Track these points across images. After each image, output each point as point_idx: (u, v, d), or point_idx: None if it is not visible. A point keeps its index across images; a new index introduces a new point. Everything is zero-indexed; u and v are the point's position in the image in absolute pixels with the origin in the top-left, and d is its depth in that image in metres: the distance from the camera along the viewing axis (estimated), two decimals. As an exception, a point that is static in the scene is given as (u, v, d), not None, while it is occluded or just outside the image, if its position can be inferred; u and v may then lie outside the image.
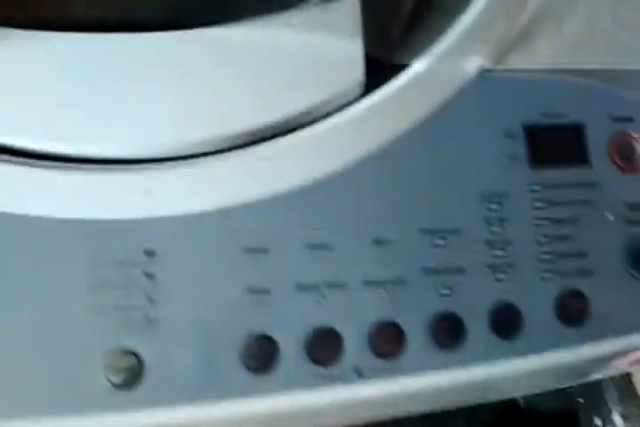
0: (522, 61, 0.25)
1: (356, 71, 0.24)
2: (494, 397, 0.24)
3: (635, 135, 0.26)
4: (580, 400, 0.39)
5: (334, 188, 0.23)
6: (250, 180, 0.23)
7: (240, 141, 0.23)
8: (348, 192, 0.23)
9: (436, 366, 0.22)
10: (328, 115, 0.23)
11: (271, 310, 0.22)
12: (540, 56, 0.26)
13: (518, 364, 0.23)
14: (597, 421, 0.38)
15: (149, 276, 0.21)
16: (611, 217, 0.25)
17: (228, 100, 0.23)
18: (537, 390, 0.26)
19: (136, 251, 0.21)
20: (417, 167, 0.23)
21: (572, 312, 0.24)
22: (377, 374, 0.22)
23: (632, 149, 0.26)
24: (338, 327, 0.22)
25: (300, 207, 0.22)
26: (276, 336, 0.21)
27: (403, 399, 0.22)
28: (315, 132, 0.23)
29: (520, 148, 0.24)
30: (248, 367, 0.21)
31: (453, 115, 0.24)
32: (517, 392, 0.30)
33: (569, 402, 0.39)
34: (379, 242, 0.23)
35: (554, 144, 0.25)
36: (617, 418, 0.38)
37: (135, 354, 0.20)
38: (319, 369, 0.21)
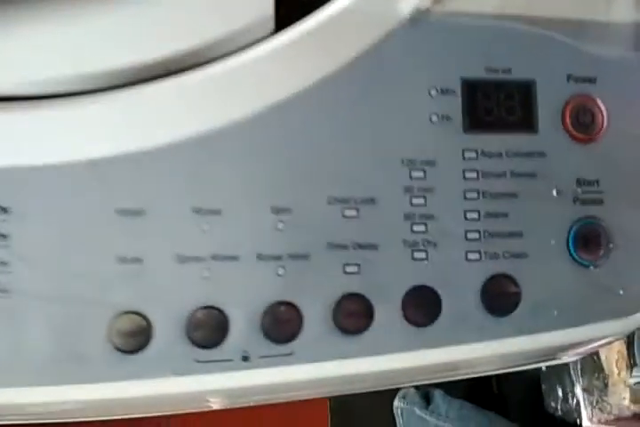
0: (466, 3, 0.31)
1: (264, 3, 0.29)
2: (402, 384, 0.30)
3: (595, 99, 0.32)
4: (543, 369, 0.47)
5: (229, 141, 0.28)
6: (129, 126, 0.28)
7: (123, 79, 0.28)
8: (245, 148, 0.28)
9: (335, 355, 0.28)
10: (230, 54, 0.29)
11: (145, 284, 0.27)
12: (490, -2, 0.31)
13: (430, 356, 0.29)
14: (559, 391, 0.46)
15: (2, 236, 0.26)
16: (555, 193, 0.31)
17: (110, 30, 0.27)
18: (455, 379, 0.32)
19: (-15, 206, 0.25)
20: (329, 123, 0.29)
21: (501, 300, 0.30)
22: (266, 360, 0.28)
23: (591, 115, 0.32)
24: (223, 306, 0.28)
25: (187, 163, 0.28)
26: (150, 314, 0.27)
27: (294, 387, 0.28)
28: (211, 73, 0.28)
29: (454, 107, 0.30)
30: (116, 347, 0.27)
31: (378, 62, 0.30)
32: (430, 381, 0.36)
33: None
34: (278, 210, 0.28)
35: (495, 104, 0.31)
36: (579, 391, 0.45)
37: None
38: (199, 352, 0.27)
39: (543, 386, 0.53)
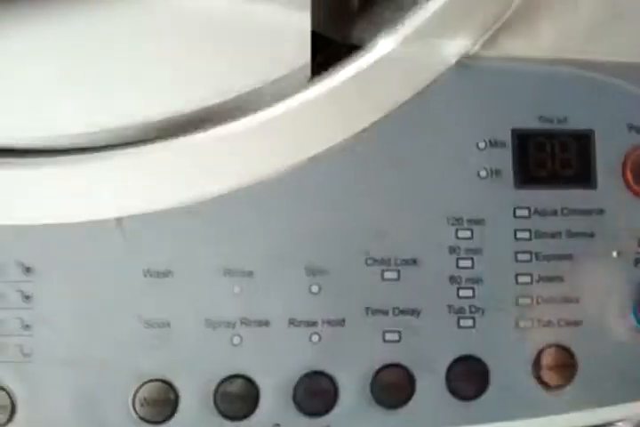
0: (518, 47, 0.34)
1: (302, 51, 0.32)
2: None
3: (659, 150, 0.35)
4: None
5: (262, 198, 0.31)
6: (158, 183, 0.31)
7: (154, 133, 0.31)
8: (279, 205, 0.31)
9: (373, 429, 0.31)
10: (265, 105, 0.32)
11: (172, 350, 0.30)
12: (543, 41, 0.34)
13: None
14: None
15: (25, 297, 0.29)
16: (615, 254, 0.33)
17: (141, 86, 0.31)
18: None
19: (11, 265, 0.29)
20: (369, 178, 0.32)
21: (555, 372, 0.32)
22: (298, 433, 0.30)
23: (655, 169, 0.35)
24: (254, 375, 0.30)
25: (218, 221, 0.31)
26: (176, 382, 0.30)
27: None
28: (246, 126, 0.32)
29: (505, 160, 0.33)
30: (140, 417, 0.29)
31: (422, 112, 0.33)
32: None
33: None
34: (313, 271, 0.31)
35: (550, 157, 0.33)
36: None
37: (6, 390, 0.28)
38: (227, 425, 0.30)
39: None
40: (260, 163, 0.31)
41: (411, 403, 0.31)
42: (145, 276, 0.30)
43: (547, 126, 0.34)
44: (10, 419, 0.29)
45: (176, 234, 0.30)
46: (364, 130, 0.32)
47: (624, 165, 0.34)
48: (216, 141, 0.31)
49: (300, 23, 0.32)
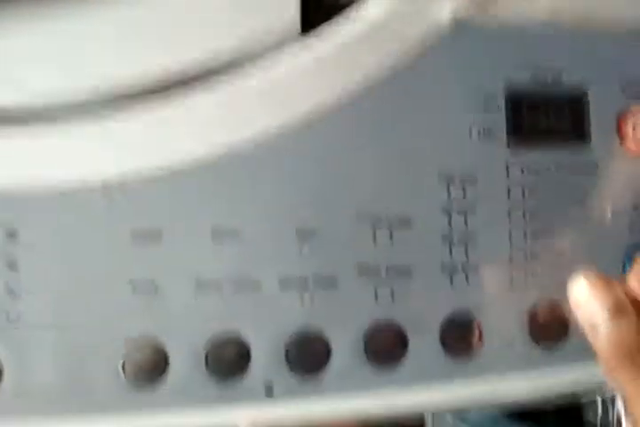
0: (512, 8, 0.33)
1: (289, 8, 0.31)
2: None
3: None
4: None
5: (253, 159, 0.30)
6: (145, 144, 0.30)
7: (138, 91, 0.30)
8: (269, 165, 0.30)
9: (367, 387, 0.30)
10: (255, 64, 0.31)
11: (161, 311, 0.29)
12: (538, 2, 0.33)
13: (472, 387, 0.31)
14: (599, 405, 0.48)
15: (10, 263, 0.28)
16: (609, 209, 0.33)
17: (128, 43, 0.30)
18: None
19: (-6, 229, 0.28)
20: (362, 138, 0.31)
21: (549, 328, 0.32)
22: (291, 392, 0.30)
23: (649, 127, 0.34)
24: (245, 335, 0.30)
25: (206, 183, 0.30)
26: (167, 343, 0.29)
27: (321, 420, 0.30)
28: (234, 86, 0.31)
29: (499, 119, 0.32)
30: (129, 379, 0.29)
31: (415, 73, 0.32)
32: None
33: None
34: (303, 232, 0.30)
35: (544, 116, 0.33)
36: (620, 405, 0.47)
37: None
38: (219, 384, 0.29)
39: (583, 399, 0.56)
40: (250, 123, 0.30)
41: (404, 361, 0.31)
42: (133, 237, 0.29)
43: (540, 87, 0.33)
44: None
45: (164, 195, 0.30)
46: (357, 91, 0.31)
47: (618, 123, 0.33)
48: (206, 102, 0.30)
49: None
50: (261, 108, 0.31)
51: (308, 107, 0.31)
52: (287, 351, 0.30)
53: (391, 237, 0.31)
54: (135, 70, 0.30)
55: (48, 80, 0.29)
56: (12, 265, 0.28)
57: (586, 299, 0.26)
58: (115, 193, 0.29)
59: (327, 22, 0.32)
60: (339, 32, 0.31)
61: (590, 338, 0.27)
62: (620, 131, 0.33)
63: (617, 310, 0.25)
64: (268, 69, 0.30)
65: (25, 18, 0.29)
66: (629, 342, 0.25)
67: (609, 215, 0.33)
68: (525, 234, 0.32)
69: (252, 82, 0.30)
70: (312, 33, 0.32)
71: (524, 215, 0.32)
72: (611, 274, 0.32)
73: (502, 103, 0.32)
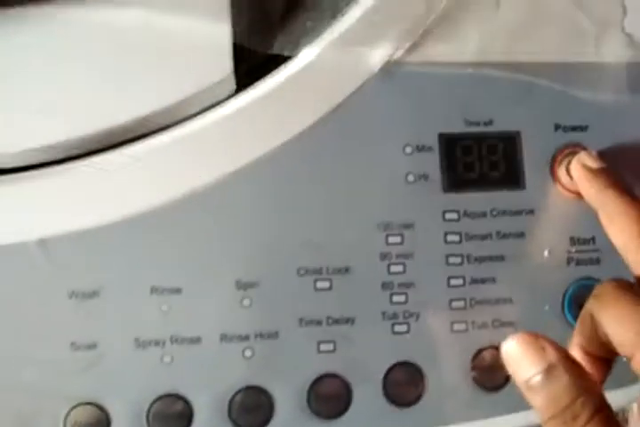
0: (443, 52, 0.33)
1: (223, 63, 0.31)
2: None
3: (587, 148, 0.34)
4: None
5: (189, 211, 0.30)
6: (82, 202, 0.30)
7: (75, 150, 0.30)
8: (206, 218, 0.30)
9: (311, 442, 0.30)
10: (189, 118, 0.31)
11: (101, 372, 0.29)
12: (467, 45, 0.34)
13: None
14: None
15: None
16: (546, 254, 0.33)
17: (66, 96, 0.29)
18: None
19: None
20: (297, 187, 0.31)
21: (492, 374, 0.32)
22: (235, 450, 0.29)
23: (584, 167, 0.34)
24: (187, 393, 0.29)
25: (144, 238, 0.30)
26: (107, 405, 0.29)
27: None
28: (170, 138, 0.31)
29: (432, 164, 0.32)
30: (69, 443, 0.28)
31: (349, 119, 0.32)
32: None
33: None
34: (243, 284, 0.30)
35: (477, 160, 0.33)
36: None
37: None
38: (161, 445, 0.29)
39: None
40: (185, 176, 0.30)
41: (348, 413, 0.31)
42: (70, 298, 0.29)
43: (473, 130, 0.33)
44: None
45: (101, 254, 0.29)
46: (290, 141, 0.31)
47: (552, 164, 0.34)
48: (139, 158, 0.30)
49: (221, 36, 0.31)
50: (195, 160, 0.31)
51: (239, 158, 0.31)
52: (230, 408, 0.30)
53: (331, 287, 0.31)
54: (67, 131, 0.29)
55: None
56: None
57: (518, 357, 0.26)
58: (51, 251, 0.29)
59: (258, 75, 0.32)
60: (269, 82, 0.31)
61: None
62: (553, 173, 0.33)
63: (548, 370, 0.25)
64: (199, 121, 0.30)
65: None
66: (561, 399, 0.25)
67: (547, 255, 0.33)
68: (464, 279, 0.32)
69: (183, 134, 0.30)
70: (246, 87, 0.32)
71: (462, 261, 0.32)
72: (552, 312, 0.33)
73: (436, 147, 0.32)
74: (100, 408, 0.29)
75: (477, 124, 0.33)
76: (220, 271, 0.30)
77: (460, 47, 0.34)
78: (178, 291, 0.29)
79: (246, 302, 0.30)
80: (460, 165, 0.33)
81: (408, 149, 0.32)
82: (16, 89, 0.29)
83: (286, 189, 0.31)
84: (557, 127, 0.34)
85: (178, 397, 0.29)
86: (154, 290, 0.29)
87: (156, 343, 0.29)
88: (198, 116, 0.31)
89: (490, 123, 0.33)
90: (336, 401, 0.31)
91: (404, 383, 0.31)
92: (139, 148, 0.30)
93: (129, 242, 0.29)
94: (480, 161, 0.33)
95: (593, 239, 0.33)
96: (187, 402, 0.29)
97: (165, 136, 0.30)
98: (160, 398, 0.29)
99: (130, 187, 0.30)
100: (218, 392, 0.30)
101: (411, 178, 0.32)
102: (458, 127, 0.33)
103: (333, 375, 0.31)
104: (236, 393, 0.30)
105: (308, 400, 0.30)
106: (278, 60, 0.32)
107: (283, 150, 0.31)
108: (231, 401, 0.30)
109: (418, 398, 0.31)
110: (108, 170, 0.30)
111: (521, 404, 0.31)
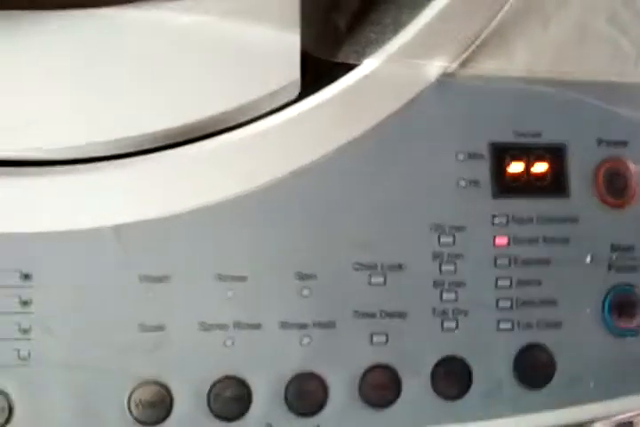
0: (494, 66, 0.35)
1: (291, 69, 0.32)
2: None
3: (628, 163, 0.35)
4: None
5: (253, 206, 0.31)
6: (153, 192, 0.31)
7: (148, 145, 0.31)
8: (271, 214, 0.31)
9: (362, 428, 0.30)
10: (255, 120, 0.32)
11: (166, 353, 0.30)
12: (517, 61, 0.35)
13: None
14: None
15: (24, 302, 0.28)
16: (588, 260, 0.34)
17: (136, 98, 0.31)
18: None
19: (9, 272, 0.28)
20: (355, 188, 0.32)
21: (535, 371, 0.33)
22: (289, 432, 0.30)
23: (623, 179, 0.35)
24: (246, 376, 0.30)
25: (210, 228, 0.31)
26: (171, 384, 0.30)
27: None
28: (235, 138, 0.32)
29: (483, 171, 0.33)
30: (135, 418, 0.29)
31: (404, 127, 0.33)
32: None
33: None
34: (302, 276, 0.31)
35: (525, 169, 0.34)
36: None
37: (3, 393, 0.28)
38: (220, 425, 0.30)
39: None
40: (249, 174, 0.32)
41: (397, 403, 0.31)
42: (141, 281, 0.30)
43: (522, 140, 0.34)
44: (7, 421, 0.29)
45: (171, 241, 0.30)
46: (349, 143, 0.32)
47: (595, 176, 0.35)
48: (208, 154, 0.31)
49: (290, 43, 0.32)
50: (259, 159, 0.32)
51: (303, 157, 0.32)
52: (286, 392, 0.30)
53: (385, 282, 0.32)
54: (144, 125, 0.31)
55: (67, 132, 0.30)
56: (26, 305, 0.29)
57: None
58: (124, 237, 0.30)
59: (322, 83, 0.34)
60: (333, 89, 0.33)
61: None
62: (596, 183, 0.35)
63: None
64: (264, 123, 0.32)
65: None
66: None
67: (589, 261, 0.34)
68: (511, 280, 0.33)
69: (248, 135, 0.32)
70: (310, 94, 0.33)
71: (509, 263, 0.33)
72: (593, 315, 0.34)
73: (487, 155, 0.34)
74: (164, 387, 0.30)
75: (526, 135, 0.34)
76: (282, 263, 0.31)
77: (510, 62, 0.35)
78: (242, 279, 0.30)
79: (305, 292, 0.31)
80: (509, 174, 0.34)
81: (460, 156, 0.33)
82: (103, 84, 0.31)
83: (345, 189, 0.32)
84: (600, 142, 0.35)
85: (237, 379, 0.30)
86: (219, 277, 0.30)
87: (220, 327, 0.30)
88: (264, 118, 0.32)
89: (538, 135, 0.34)
90: (386, 391, 0.31)
91: (451, 377, 0.32)
92: (209, 144, 0.31)
93: (197, 231, 0.30)
94: (528, 170, 0.34)
95: (632, 247, 0.34)
96: (245, 385, 0.30)
97: (233, 135, 0.32)
98: (221, 379, 0.30)
99: (199, 181, 0.31)
100: (275, 376, 0.30)
101: (462, 183, 0.33)
102: (507, 137, 0.34)
103: (385, 366, 0.31)
104: (293, 378, 0.30)
105: (360, 389, 0.31)
106: (341, 71, 0.34)
107: (342, 152, 0.32)
108: (288, 386, 0.30)
109: (464, 392, 0.32)
110: (180, 164, 0.31)
111: (563, 401, 0.33)
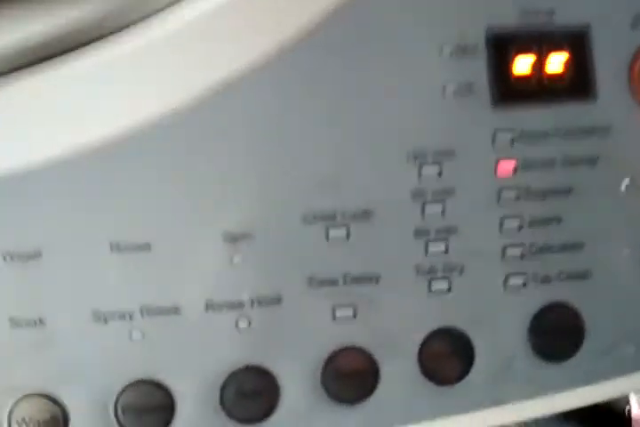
0: None
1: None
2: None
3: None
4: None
5: (155, 141, 0.22)
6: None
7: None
8: (178, 149, 0.22)
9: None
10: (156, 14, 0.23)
11: (51, 354, 0.22)
12: None
13: (462, 423, 0.24)
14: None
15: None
16: (624, 185, 0.26)
17: None
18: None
19: None
20: (298, 106, 0.23)
21: (557, 339, 0.25)
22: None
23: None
24: (165, 379, 0.22)
25: (92, 178, 0.22)
26: (62, 395, 0.22)
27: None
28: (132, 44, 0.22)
29: (479, 71, 0.24)
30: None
31: (364, 16, 0.23)
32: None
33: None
34: (233, 237, 0.23)
35: (536, 64, 0.25)
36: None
37: None
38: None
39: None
40: (151, 94, 0.22)
41: (375, 395, 0.24)
42: (5, 259, 0.22)
43: (530, 22, 0.25)
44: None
45: (36, 201, 0.22)
46: (289, 43, 0.23)
47: (631, 68, 0.26)
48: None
49: None
50: (162, 79, 0.22)
51: (227, 67, 0.22)
52: (222, 395, 0.23)
53: (348, 236, 0.24)
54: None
55: None
56: None
57: None
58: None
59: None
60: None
61: None
62: (632, 79, 0.26)
63: None
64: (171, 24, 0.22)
65: None
66: None
67: (625, 187, 0.26)
68: (521, 220, 0.25)
69: (153, 39, 0.22)
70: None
71: (517, 196, 0.25)
72: (634, 258, 0.26)
73: (483, 46, 0.24)
74: (53, 400, 0.22)
75: (536, 14, 0.25)
76: (201, 220, 0.23)
77: None
78: (146, 248, 0.22)
79: (237, 258, 0.23)
80: (515, 71, 0.25)
81: (445, 51, 0.24)
82: None
83: (286, 108, 0.23)
84: (637, 21, 0.26)
85: (153, 383, 0.23)
86: (115, 247, 0.22)
87: (121, 316, 0.22)
88: (166, 12, 0.23)
89: (553, 14, 0.25)
90: (359, 381, 0.24)
91: (446, 356, 0.25)
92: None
93: (74, 184, 0.22)
94: (540, 65, 0.25)
95: (685, 164, 0.26)
96: (164, 389, 0.23)
97: (128, 39, 0.22)
98: (130, 385, 0.22)
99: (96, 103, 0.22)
100: (205, 376, 0.23)
101: (450, 89, 0.24)
102: (511, 20, 0.25)
103: (354, 349, 0.24)
104: (230, 376, 0.23)
105: (323, 381, 0.24)
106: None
107: (279, 57, 0.23)
108: (223, 387, 0.23)
109: (464, 374, 0.25)
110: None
111: (594, 374, 0.26)
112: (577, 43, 0.26)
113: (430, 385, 0.25)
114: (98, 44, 0.23)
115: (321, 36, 0.24)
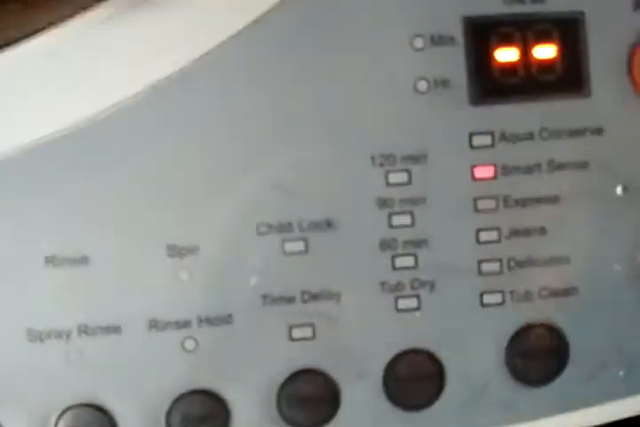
0: None
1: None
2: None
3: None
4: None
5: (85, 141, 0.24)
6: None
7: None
8: (117, 147, 0.25)
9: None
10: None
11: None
12: None
13: None
14: None
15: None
16: (619, 191, 0.28)
17: None
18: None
19: None
20: (249, 101, 0.26)
21: (538, 362, 0.28)
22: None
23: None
24: (105, 403, 0.25)
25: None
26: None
27: None
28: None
29: (456, 64, 0.27)
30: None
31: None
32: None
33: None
34: (178, 251, 0.25)
35: (522, 56, 0.27)
36: None
37: None
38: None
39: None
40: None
41: (335, 422, 0.26)
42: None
43: (515, 10, 0.27)
44: None
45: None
46: (237, 35, 0.25)
47: (630, 60, 0.28)
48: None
49: None
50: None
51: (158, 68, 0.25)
52: (168, 422, 0.25)
53: (307, 249, 0.26)
54: None
55: None
56: None
57: None
58: None
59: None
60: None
61: None
62: (631, 73, 0.28)
63: None
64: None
65: None
66: None
67: (620, 193, 0.28)
68: (499, 232, 0.27)
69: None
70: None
71: (496, 205, 0.27)
72: (625, 272, 0.28)
73: (460, 36, 0.27)
74: None
75: (521, 1, 0.27)
76: (144, 232, 0.25)
77: None
78: (83, 262, 0.25)
79: (184, 274, 0.25)
80: (496, 65, 0.27)
81: (418, 42, 0.26)
82: None
83: (234, 104, 0.26)
84: (637, 5, 0.28)
85: (93, 407, 0.25)
86: (49, 261, 0.24)
87: (58, 335, 0.25)
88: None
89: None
90: (317, 407, 0.26)
91: (414, 380, 0.27)
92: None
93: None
94: (525, 57, 0.27)
95: (684, 168, 0.28)
96: (106, 413, 0.25)
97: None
98: (67, 410, 0.25)
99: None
100: (149, 400, 0.25)
101: (422, 85, 0.27)
102: (493, 6, 0.27)
103: (312, 371, 0.26)
104: (175, 402, 0.25)
105: (278, 407, 0.26)
106: None
107: (219, 51, 0.25)
108: (169, 413, 0.25)
109: (433, 399, 0.27)
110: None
111: (579, 400, 0.28)
112: (568, 32, 0.28)
113: (396, 411, 0.27)
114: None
115: (276, 28, 0.26)
